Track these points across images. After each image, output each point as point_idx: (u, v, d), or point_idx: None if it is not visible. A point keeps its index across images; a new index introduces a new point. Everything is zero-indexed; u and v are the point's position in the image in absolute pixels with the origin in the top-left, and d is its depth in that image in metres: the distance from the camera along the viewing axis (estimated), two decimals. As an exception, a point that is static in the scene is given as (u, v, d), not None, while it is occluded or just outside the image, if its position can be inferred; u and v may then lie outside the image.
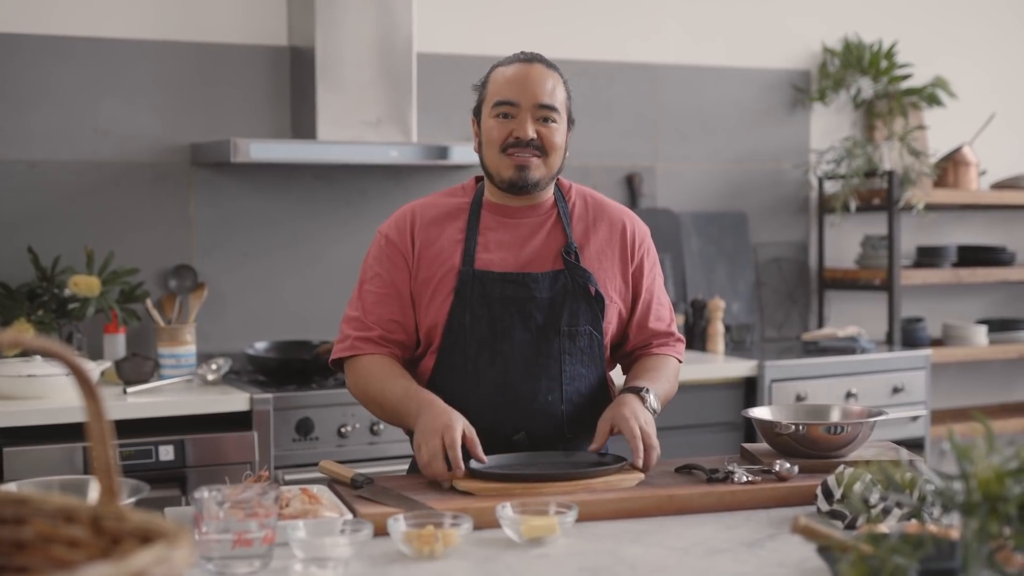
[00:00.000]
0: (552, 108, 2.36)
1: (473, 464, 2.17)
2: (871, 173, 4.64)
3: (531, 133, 2.34)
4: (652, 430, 2.26)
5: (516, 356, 2.33)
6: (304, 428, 3.44)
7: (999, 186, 5.07)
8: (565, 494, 2.07)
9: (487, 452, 2.31)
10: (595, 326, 2.39)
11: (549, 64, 2.40)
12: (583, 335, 2.38)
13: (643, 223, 2.54)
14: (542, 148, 2.35)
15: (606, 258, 2.44)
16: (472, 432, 2.20)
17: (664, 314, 2.52)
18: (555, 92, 2.37)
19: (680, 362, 2.55)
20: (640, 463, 2.21)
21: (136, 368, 3.53)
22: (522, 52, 2.43)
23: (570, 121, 2.43)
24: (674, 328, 2.54)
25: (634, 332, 2.50)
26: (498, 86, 2.38)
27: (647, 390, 2.33)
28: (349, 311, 2.44)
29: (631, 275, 2.47)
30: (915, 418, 4.33)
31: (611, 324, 2.43)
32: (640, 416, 2.26)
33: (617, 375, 2.53)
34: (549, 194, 2.45)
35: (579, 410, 2.38)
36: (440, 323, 2.36)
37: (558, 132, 2.38)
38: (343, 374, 2.47)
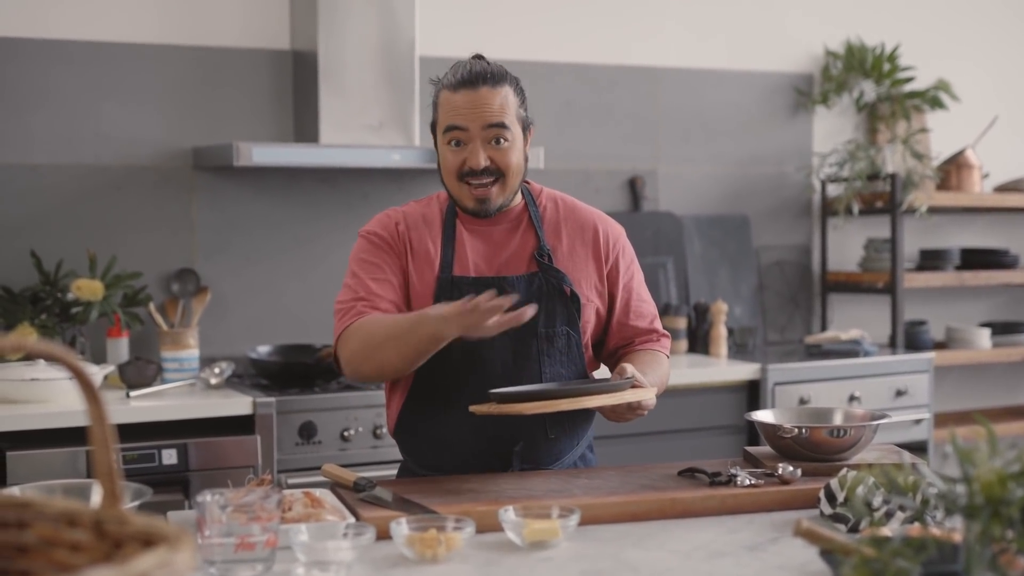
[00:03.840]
0: (501, 126, 2.32)
1: (498, 389, 2.19)
2: (874, 176, 4.64)
3: (483, 162, 2.32)
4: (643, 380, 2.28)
5: (495, 360, 2.33)
6: (307, 432, 3.44)
7: (1002, 189, 5.07)
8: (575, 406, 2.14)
9: (475, 458, 2.35)
10: (572, 326, 2.39)
11: (495, 80, 2.33)
12: (560, 336, 2.38)
13: (616, 224, 2.53)
14: (497, 171, 2.34)
15: (579, 258, 2.44)
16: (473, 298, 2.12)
17: (645, 311, 2.52)
18: (504, 108, 2.33)
19: (668, 357, 2.55)
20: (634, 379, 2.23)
21: (139, 372, 3.54)
22: (467, 67, 2.35)
23: (526, 127, 2.39)
24: (657, 325, 2.54)
25: (615, 331, 2.50)
26: (445, 112, 2.35)
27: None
28: (344, 296, 2.39)
29: (607, 275, 2.47)
30: (918, 421, 4.32)
31: (589, 323, 2.44)
32: (633, 368, 2.28)
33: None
34: (518, 199, 2.45)
35: (561, 412, 2.36)
36: None
37: (512, 151, 2.34)
38: (342, 372, 2.39)
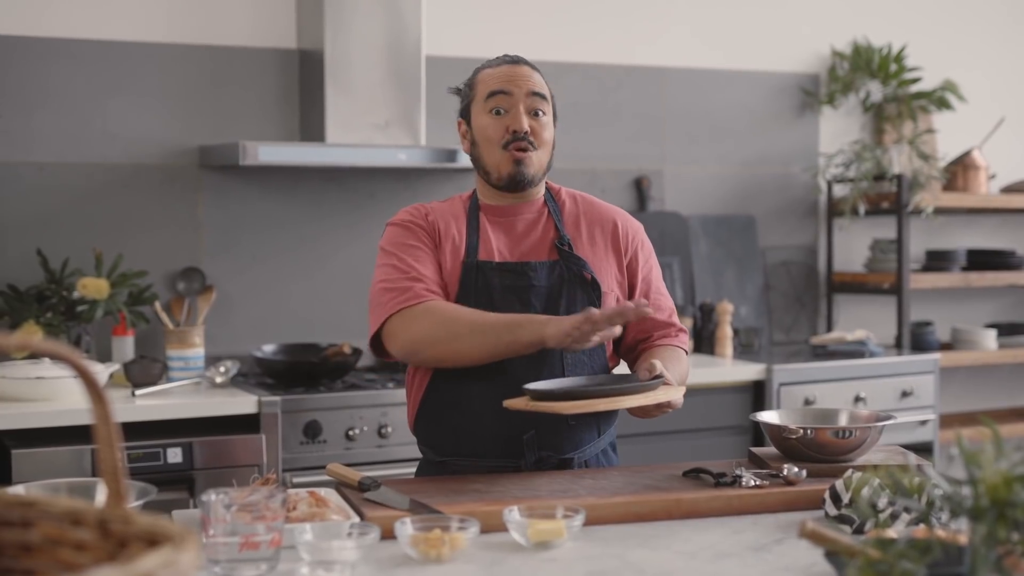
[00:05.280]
0: (543, 97, 2.42)
1: (533, 385, 2.20)
2: (880, 177, 4.64)
3: (526, 125, 2.39)
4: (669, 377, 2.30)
5: None
6: (312, 431, 3.45)
7: (1008, 190, 5.06)
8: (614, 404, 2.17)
9: (494, 446, 2.35)
10: None
11: (533, 66, 2.48)
12: None
13: (635, 220, 2.56)
14: (533, 143, 2.40)
15: (599, 248, 2.47)
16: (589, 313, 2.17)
17: (663, 304, 2.52)
18: (543, 85, 2.45)
19: (687, 353, 2.54)
20: (659, 375, 2.25)
21: (144, 370, 3.54)
22: (505, 55, 2.49)
23: (555, 118, 2.49)
24: (675, 319, 2.54)
25: (633, 325, 2.50)
26: (487, 83, 2.43)
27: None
28: (391, 275, 2.35)
29: (626, 267, 2.49)
30: (924, 422, 4.32)
31: None
32: (661, 366, 2.30)
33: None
34: (540, 192, 2.49)
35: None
36: None
37: (547, 127, 2.44)
38: (385, 351, 2.37)
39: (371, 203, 4.13)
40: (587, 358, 2.40)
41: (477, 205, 2.48)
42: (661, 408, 2.26)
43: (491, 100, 2.40)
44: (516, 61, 2.46)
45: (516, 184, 2.41)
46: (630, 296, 2.50)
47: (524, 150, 2.39)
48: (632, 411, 2.29)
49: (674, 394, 2.25)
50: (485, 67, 2.47)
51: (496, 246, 2.43)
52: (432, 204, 2.51)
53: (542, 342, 2.20)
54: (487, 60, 2.50)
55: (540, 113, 2.42)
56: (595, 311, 2.13)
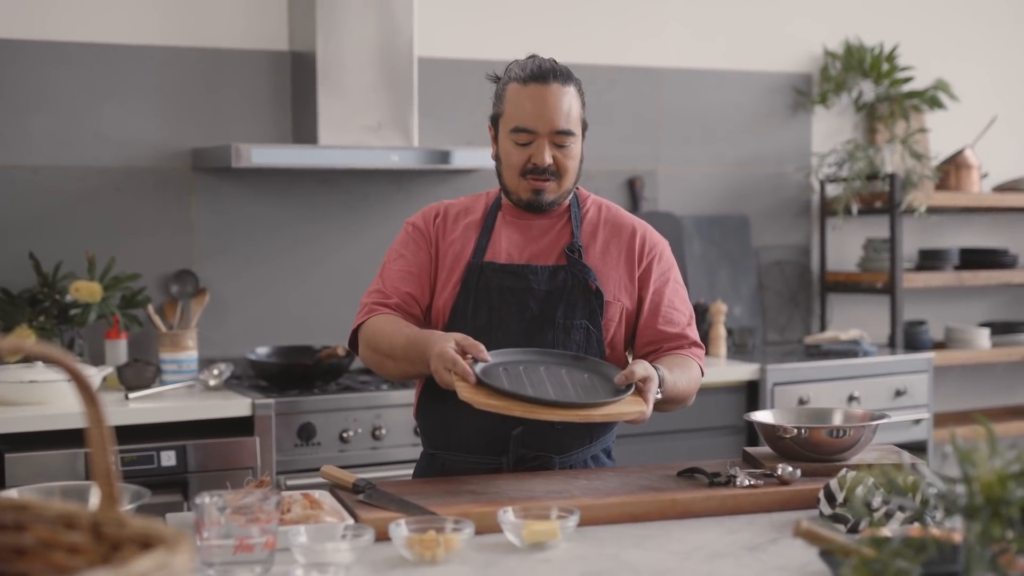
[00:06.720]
0: (569, 133, 2.39)
1: (478, 367, 2.17)
2: (873, 176, 4.64)
3: (548, 160, 2.38)
4: (651, 385, 2.23)
5: (509, 346, 2.33)
6: (306, 433, 3.44)
7: (1001, 189, 5.07)
8: (562, 419, 2.15)
9: (475, 440, 2.37)
10: (592, 321, 2.40)
11: (564, 77, 2.40)
12: (578, 329, 2.39)
13: (659, 236, 2.55)
14: (556, 172, 2.40)
15: (611, 257, 2.46)
16: (467, 340, 2.20)
17: (676, 319, 2.49)
18: (571, 113, 2.40)
19: (701, 367, 2.49)
20: (626, 381, 2.21)
21: (138, 374, 3.53)
22: (536, 62, 2.41)
23: (584, 129, 2.46)
24: (689, 332, 2.50)
25: (641, 333, 2.49)
26: (515, 109, 2.39)
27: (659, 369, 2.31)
28: (370, 288, 2.49)
29: (638, 278, 2.47)
30: (917, 421, 4.32)
31: (612, 322, 2.44)
32: (646, 369, 2.25)
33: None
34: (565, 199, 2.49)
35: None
36: (445, 311, 2.42)
37: (573, 156, 2.42)
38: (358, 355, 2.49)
39: (364, 205, 4.13)
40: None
41: (499, 204, 2.50)
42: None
43: (516, 134, 2.39)
44: (544, 78, 2.37)
45: (533, 209, 2.44)
46: (638, 308, 2.49)
47: (544, 180, 2.39)
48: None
49: (627, 413, 2.17)
50: (514, 78, 2.40)
51: (506, 246, 2.44)
52: (457, 200, 2.55)
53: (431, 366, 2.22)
54: (515, 63, 2.43)
55: (565, 145, 2.39)
56: (459, 365, 2.14)
